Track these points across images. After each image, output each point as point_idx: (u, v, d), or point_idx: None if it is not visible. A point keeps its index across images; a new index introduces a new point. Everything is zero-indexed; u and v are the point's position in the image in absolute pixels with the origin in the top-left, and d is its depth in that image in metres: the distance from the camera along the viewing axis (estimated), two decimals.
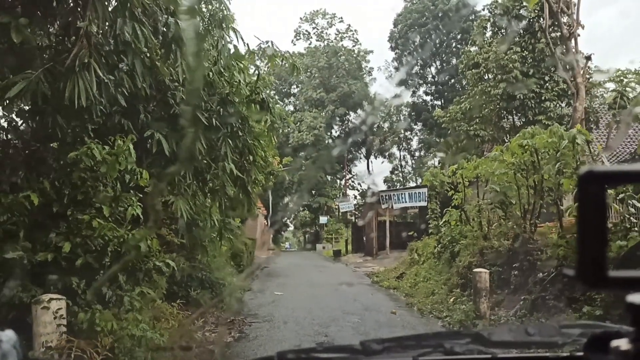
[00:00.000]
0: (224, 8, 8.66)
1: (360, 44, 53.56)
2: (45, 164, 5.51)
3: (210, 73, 7.92)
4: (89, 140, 5.13)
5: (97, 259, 4.64)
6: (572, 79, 11.27)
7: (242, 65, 8.77)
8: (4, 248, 4.36)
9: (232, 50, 8.48)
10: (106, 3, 5.47)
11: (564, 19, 14.23)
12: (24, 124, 5.97)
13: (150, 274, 5.20)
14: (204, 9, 8.09)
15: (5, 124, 6.15)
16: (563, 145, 8.13)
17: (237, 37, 8.36)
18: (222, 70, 8.15)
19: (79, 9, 5.48)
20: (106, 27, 5.55)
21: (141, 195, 5.30)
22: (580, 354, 1.11)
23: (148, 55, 5.91)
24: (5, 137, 5.69)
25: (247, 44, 9.17)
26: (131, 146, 5.03)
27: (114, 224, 4.73)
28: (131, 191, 5.18)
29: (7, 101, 5.32)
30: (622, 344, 0.71)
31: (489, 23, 20.32)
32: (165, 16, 5.48)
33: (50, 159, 5.54)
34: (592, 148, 8.39)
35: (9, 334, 0.96)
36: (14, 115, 5.85)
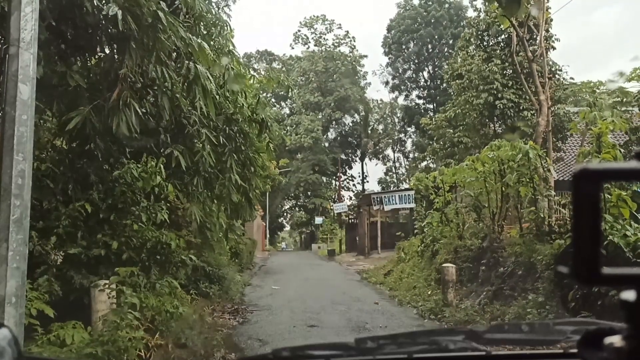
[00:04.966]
0: (228, 37, 10.03)
1: (358, 50, 55.04)
2: (89, 179, 6.86)
3: (217, 96, 9.29)
4: (125, 161, 6.51)
5: (137, 254, 6.02)
6: (535, 97, 12.67)
7: (244, 86, 10.14)
8: (67, 246, 5.73)
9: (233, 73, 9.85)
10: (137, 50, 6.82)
11: (538, 38, 15.66)
12: (68, 146, 7.32)
13: (176, 267, 6.58)
14: (212, 43, 9.43)
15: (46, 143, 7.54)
16: (518, 158, 9.54)
17: (240, 66, 9.74)
18: (228, 94, 9.51)
19: (115, 56, 6.85)
20: (137, 69, 6.91)
21: (169, 204, 6.67)
22: (574, 350, 1.09)
23: (170, 89, 7.28)
24: (56, 157, 7.02)
25: (246, 67, 10.56)
26: (161, 166, 6.41)
27: (150, 227, 6.10)
28: (162, 201, 6.56)
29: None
30: (616, 340, 0.70)
31: (472, 37, 21.74)
32: (187, 62, 6.82)
33: (92, 175, 6.90)
34: (542, 161, 9.74)
35: (4, 332, 0.94)
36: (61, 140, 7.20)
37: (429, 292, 11.83)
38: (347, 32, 54.95)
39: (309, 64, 51.96)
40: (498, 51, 20.91)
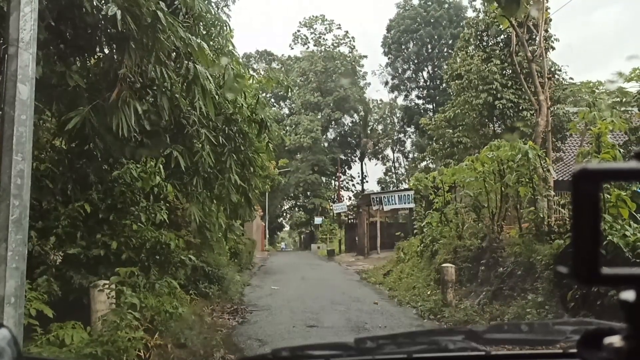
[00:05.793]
0: (227, 37, 10.02)
1: (357, 50, 55.01)
2: (88, 180, 6.86)
3: (217, 96, 9.28)
4: (125, 161, 6.50)
5: (136, 254, 6.02)
6: (535, 97, 12.68)
7: (244, 86, 10.14)
8: (66, 246, 5.73)
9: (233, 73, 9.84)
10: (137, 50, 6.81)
11: (537, 38, 15.68)
12: (68, 146, 7.31)
13: (176, 267, 6.59)
14: (211, 43, 9.43)
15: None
16: (518, 158, 9.55)
17: (239, 66, 9.74)
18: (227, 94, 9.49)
19: (115, 56, 6.84)
20: (136, 69, 6.90)
21: (168, 204, 6.68)
22: (574, 350, 1.09)
23: (170, 89, 7.28)
24: (55, 157, 7.02)
25: (247, 67, 10.56)
26: (160, 166, 6.41)
27: (150, 227, 6.11)
28: (161, 201, 6.56)
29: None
30: (615, 340, 0.70)
31: (471, 37, 21.74)
32: (186, 62, 6.83)
33: (92, 175, 6.89)
34: (541, 161, 9.74)
35: (4, 332, 0.94)
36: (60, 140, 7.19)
37: (429, 292, 11.83)
38: (347, 32, 54.95)
39: (309, 64, 51.93)
40: (497, 51, 20.92)
